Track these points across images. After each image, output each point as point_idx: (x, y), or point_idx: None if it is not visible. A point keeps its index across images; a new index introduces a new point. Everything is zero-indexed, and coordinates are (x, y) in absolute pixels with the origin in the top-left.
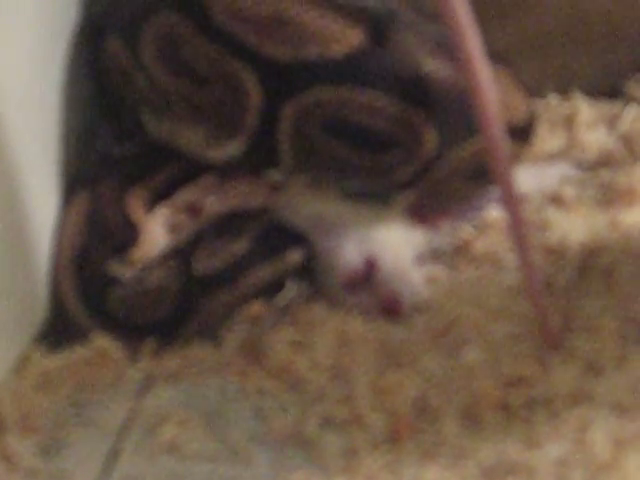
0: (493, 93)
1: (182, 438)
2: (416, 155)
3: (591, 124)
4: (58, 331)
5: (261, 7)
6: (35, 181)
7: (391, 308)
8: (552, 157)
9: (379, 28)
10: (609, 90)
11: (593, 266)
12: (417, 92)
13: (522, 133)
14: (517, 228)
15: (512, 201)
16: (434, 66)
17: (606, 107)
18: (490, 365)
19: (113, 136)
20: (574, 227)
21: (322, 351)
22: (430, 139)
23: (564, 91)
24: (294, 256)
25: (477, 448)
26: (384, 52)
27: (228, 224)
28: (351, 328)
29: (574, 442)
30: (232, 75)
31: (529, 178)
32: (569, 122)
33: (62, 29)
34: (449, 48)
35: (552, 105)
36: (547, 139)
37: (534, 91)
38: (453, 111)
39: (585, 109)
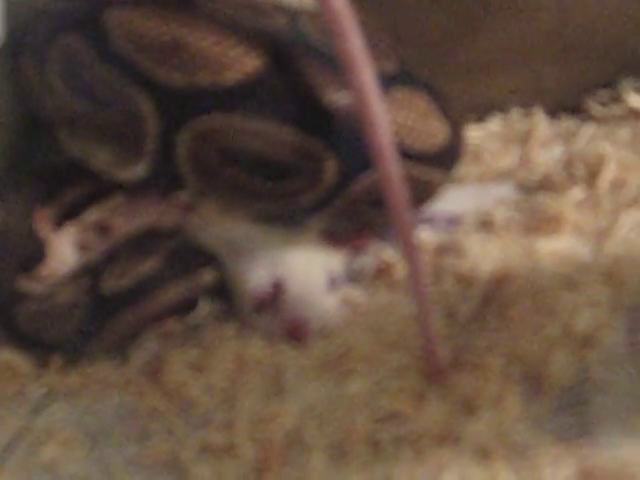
0: (386, 123)
1: (62, 459)
2: (316, 183)
3: (546, 142)
4: None
5: (160, 33)
6: None
7: (295, 332)
8: (499, 176)
9: (279, 54)
10: (574, 106)
11: (495, 298)
12: (316, 121)
13: (441, 160)
14: (411, 261)
15: (408, 240)
16: (334, 94)
17: (565, 124)
18: (369, 398)
19: (27, 154)
20: (489, 254)
21: (217, 374)
22: (331, 167)
23: (529, 106)
24: (205, 276)
25: None
26: (281, 79)
27: (139, 244)
28: (249, 352)
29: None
30: (129, 99)
31: (467, 198)
32: (526, 139)
33: None
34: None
35: (513, 120)
36: (500, 156)
37: (500, 106)
38: (352, 143)
39: (543, 126)
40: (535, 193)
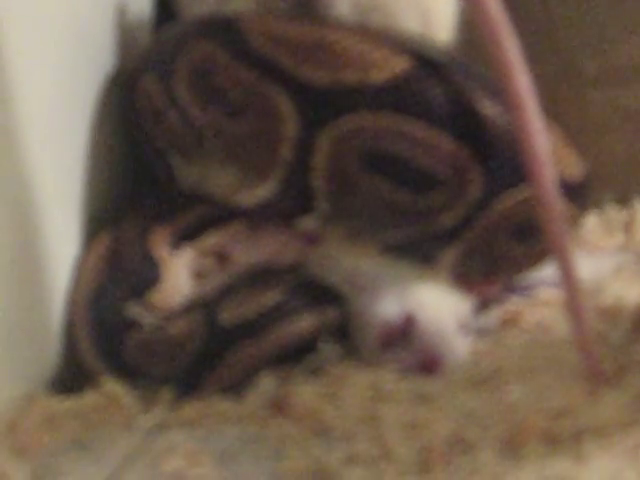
0: (545, 141)
1: (189, 470)
2: (460, 198)
3: None
4: (70, 374)
5: (300, 31)
6: (57, 219)
7: (429, 365)
8: (609, 251)
9: (426, 59)
10: None
11: None
12: (468, 128)
13: (576, 193)
14: (569, 279)
15: (564, 249)
16: (488, 105)
17: None
18: (536, 401)
19: (141, 181)
20: (629, 293)
21: (352, 401)
22: (475, 181)
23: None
24: (329, 313)
25: (517, 475)
26: (432, 82)
27: (259, 276)
28: (384, 381)
29: (627, 459)
30: (268, 101)
31: (583, 265)
32: (627, 227)
33: (95, 72)
34: (498, 92)
35: (611, 213)
36: (604, 239)
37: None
38: (502, 155)
39: None
40: None
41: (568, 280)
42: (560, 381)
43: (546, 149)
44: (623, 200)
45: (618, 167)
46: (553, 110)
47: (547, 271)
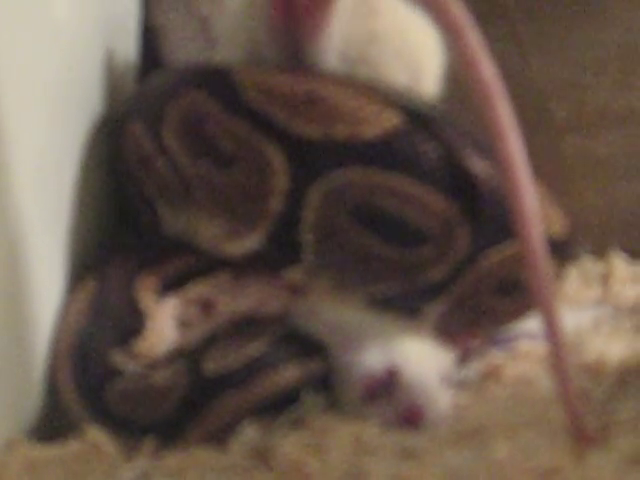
0: (535, 201)
1: None
2: (447, 253)
3: (627, 280)
4: (52, 422)
5: (292, 85)
6: (41, 264)
7: (412, 419)
8: (587, 304)
9: (416, 114)
10: None
11: (632, 376)
12: (457, 185)
13: (559, 249)
14: (554, 336)
15: (549, 307)
16: (478, 163)
17: None
18: (522, 459)
19: (126, 228)
20: (612, 348)
21: (336, 454)
22: (463, 237)
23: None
24: (313, 364)
25: None
26: (422, 138)
27: (243, 326)
28: (367, 434)
29: None
30: (259, 154)
31: (564, 319)
32: (604, 279)
33: (81, 120)
34: (487, 149)
35: (587, 265)
36: (582, 292)
37: None
38: (490, 212)
39: (621, 267)
40: (634, 314)
41: (553, 337)
42: (545, 439)
43: (535, 208)
44: (599, 252)
45: (593, 217)
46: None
47: (527, 323)
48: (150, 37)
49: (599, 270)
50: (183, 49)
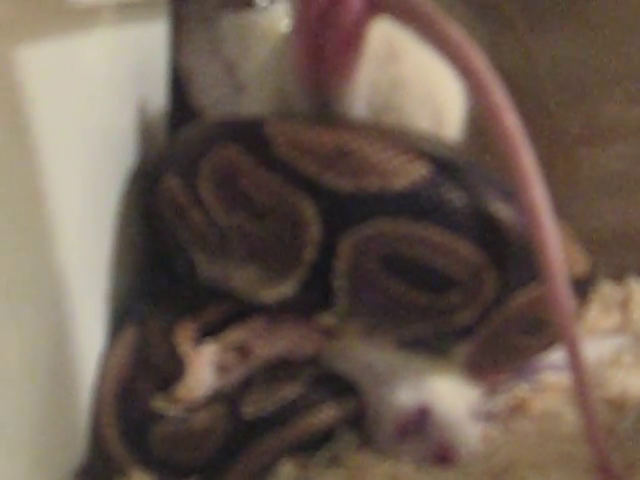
0: (559, 245)
1: None
2: (475, 297)
3: None
4: (97, 468)
5: (323, 139)
6: (84, 315)
7: (444, 456)
8: (607, 332)
9: (443, 164)
10: None
11: None
12: (484, 232)
13: (582, 288)
14: (579, 375)
15: (575, 347)
16: (503, 209)
17: None
18: None
19: (165, 276)
20: (634, 382)
21: None
22: (490, 281)
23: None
24: (347, 404)
25: None
26: (448, 187)
27: (279, 370)
28: (402, 472)
29: None
30: (292, 206)
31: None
32: (624, 305)
33: (117, 170)
34: (512, 194)
35: (606, 290)
36: (601, 318)
37: None
38: (516, 257)
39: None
40: None
41: (579, 377)
42: (573, 477)
43: (559, 252)
44: (616, 274)
45: (608, 235)
46: (544, 174)
47: (552, 355)
48: (178, 80)
49: (618, 296)
50: (209, 93)
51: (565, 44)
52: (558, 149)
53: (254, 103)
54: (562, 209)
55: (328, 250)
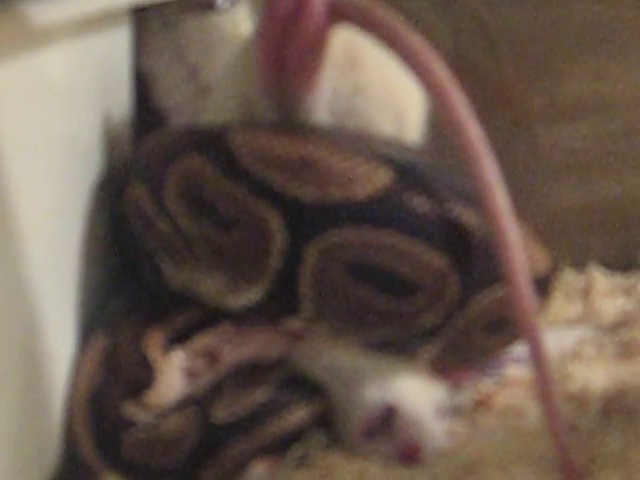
0: (521, 248)
1: None
2: (439, 301)
3: (607, 293)
4: (71, 475)
5: (287, 149)
6: (54, 323)
7: (410, 454)
8: (569, 322)
9: (405, 170)
10: (623, 264)
11: (616, 407)
12: (447, 237)
13: (543, 286)
14: (542, 373)
15: (537, 346)
16: (466, 213)
17: (621, 279)
18: None
19: (133, 283)
20: (595, 376)
21: None
22: (454, 284)
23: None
24: (315, 406)
25: None
26: (411, 194)
27: (247, 373)
28: (371, 470)
29: None
30: (257, 216)
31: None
32: (585, 293)
33: (84, 180)
34: (473, 196)
35: (568, 278)
36: (564, 307)
37: None
38: (479, 260)
39: (601, 280)
40: (614, 330)
41: (541, 374)
42: (537, 474)
43: (521, 254)
44: (580, 262)
45: (572, 221)
46: (505, 154)
47: (515, 348)
48: (141, 83)
49: (579, 284)
50: (172, 95)
51: (523, 20)
52: (518, 128)
53: (218, 107)
54: (522, 189)
55: (294, 258)
